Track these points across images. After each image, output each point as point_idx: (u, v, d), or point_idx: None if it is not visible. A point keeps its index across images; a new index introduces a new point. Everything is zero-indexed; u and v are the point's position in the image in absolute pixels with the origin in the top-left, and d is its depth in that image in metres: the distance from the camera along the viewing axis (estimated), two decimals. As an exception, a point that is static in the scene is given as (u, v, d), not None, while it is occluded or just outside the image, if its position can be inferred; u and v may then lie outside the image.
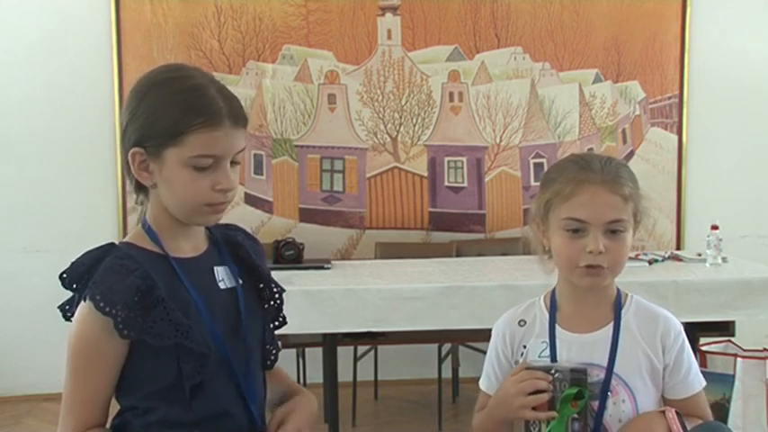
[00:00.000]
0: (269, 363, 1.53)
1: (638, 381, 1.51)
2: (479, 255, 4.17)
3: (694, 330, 3.28)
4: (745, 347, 3.31)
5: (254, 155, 4.38)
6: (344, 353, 3.67)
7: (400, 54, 4.41)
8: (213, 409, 1.38)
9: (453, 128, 4.46)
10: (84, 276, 1.35)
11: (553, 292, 1.61)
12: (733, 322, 3.54)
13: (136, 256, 1.36)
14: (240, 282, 1.48)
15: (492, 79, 4.45)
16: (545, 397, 1.46)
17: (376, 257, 4.24)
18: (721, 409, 3.15)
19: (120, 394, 1.38)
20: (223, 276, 1.45)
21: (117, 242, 1.42)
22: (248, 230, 1.61)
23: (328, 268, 3.69)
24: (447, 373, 4.10)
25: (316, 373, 3.92)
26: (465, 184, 4.50)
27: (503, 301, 3.07)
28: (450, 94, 4.46)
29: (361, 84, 4.40)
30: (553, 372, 1.48)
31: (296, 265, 3.63)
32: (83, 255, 1.38)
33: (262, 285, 1.52)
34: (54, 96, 4.28)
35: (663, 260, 3.76)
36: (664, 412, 1.47)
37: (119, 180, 4.31)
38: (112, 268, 1.33)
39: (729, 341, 3.40)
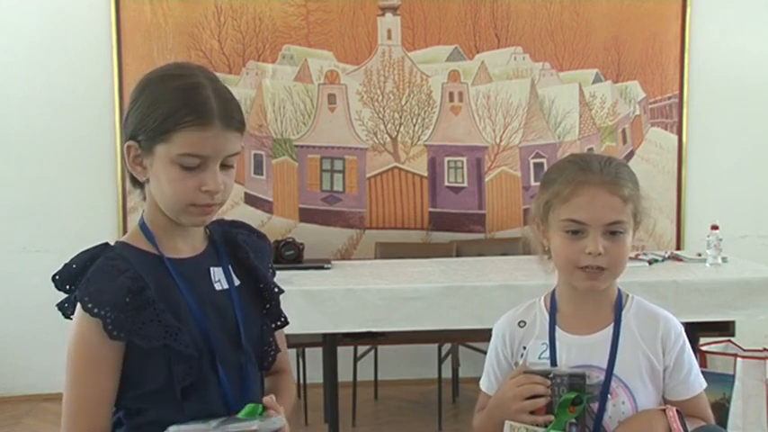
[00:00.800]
0: (266, 364, 1.52)
1: (637, 382, 1.51)
2: (479, 255, 4.17)
3: (694, 330, 3.28)
4: (745, 347, 3.32)
5: (254, 155, 4.38)
6: (344, 353, 3.67)
7: (400, 54, 4.41)
8: (205, 410, 1.37)
9: (453, 128, 4.46)
10: (77, 277, 1.35)
11: (553, 293, 1.60)
12: (733, 322, 3.54)
13: (128, 257, 1.36)
14: (238, 283, 1.47)
15: (492, 79, 4.45)
16: (542, 401, 1.46)
17: (376, 257, 4.24)
18: (721, 409, 3.15)
19: None
20: (220, 277, 1.45)
21: (112, 242, 1.42)
22: (254, 227, 1.59)
23: (328, 268, 3.69)
24: (447, 373, 4.10)
25: (316, 373, 3.92)
26: (465, 184, 4.50)
27: (503, 301, 3.07)
28: (450, 94, 4.46)
29: (361, 84, 4.40)
30: (551, 376, 1.47)
31: (296, 265, 3.63)
32: (75, 256, 1.37)
33: (262, 285, 1.51)
34: (54, 96, 4.28)
35: (663, 260, 3.76)
36: (665, 410, 1.46)
37: (119, 180, 4.31)
38: (103, 269, 1.33)
39: (729, 341, 3.40)
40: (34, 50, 4.26)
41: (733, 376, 3.19)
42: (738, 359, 3.20)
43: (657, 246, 4.39)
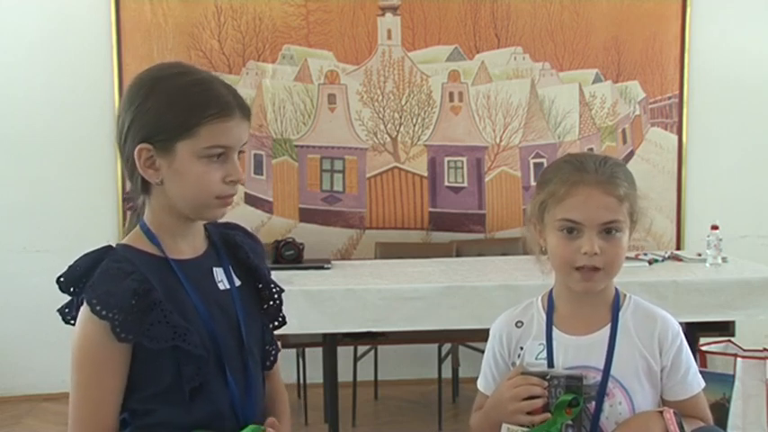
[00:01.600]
0: (268, 363, 1.52)
1: (635, 383, 1.50)
2: (479, 255, 4.17)
3: (694, 330, 3.29)
4: (745, 347, 3.32)
5: (254, 155, 4.38)
6: (344, 353, 3.67)
7: (400, 54, 4.41)
8: (212, 411, 1.37)
9: (453, 128, 4.46)
10: (81, 280, 1.34)
11: (550, 293, 1.60)
12: (733, 322, 3.54)
13: (133, 259, 1.36)
14: (239, 283, 1.47)
15: (492, 79, 4.45)
16: (539, 402, 1.46)
17: (376, 257, 4.24)
18: (721, 409, 3.15)
19: None
20: (222, 277, 1.45)
21: (114, 244, 1.41)
22: (248, 229, 1.60)
23: (328, 268, 3.69)
24: (447, 373, 4.10)
25: (316, 373, 3.92)
26: (465, 184, 4.50)
27: (503, 301, 3.07)
28: (450, 94, 4.46)
29: (361, 84, 4.40)
30: (548, 378, 1.47)
31: (296, 265, 3.63)
32: (79, 258, 1.37)
33: (261, 286, 1.52)
34: (54, 96, 4.28)
35: (663, 260, 3.76)
36: (662, 412, 1.46)
37: (119, 180, 4.30)
38: (109, 272, 1.32)
39: (729, 341, 3.40)
40: (34, 50, 4.27)
41: (733, 376, 3.19)
42: (738, 359, 3.20)
43: (657, 246, 4.39)
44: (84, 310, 1.32)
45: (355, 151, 4.44)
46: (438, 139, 4.46)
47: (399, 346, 4.21)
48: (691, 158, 4.57)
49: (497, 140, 4.48)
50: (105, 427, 1.34)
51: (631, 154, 4.53)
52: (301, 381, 4.02)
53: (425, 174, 4.48)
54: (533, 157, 4.50)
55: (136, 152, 1.35)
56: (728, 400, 3.18)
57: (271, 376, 1.55)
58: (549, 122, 4.50)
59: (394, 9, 4.38)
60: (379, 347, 4.15)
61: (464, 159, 4.48)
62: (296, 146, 4.41)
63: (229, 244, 1.50)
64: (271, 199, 4.42)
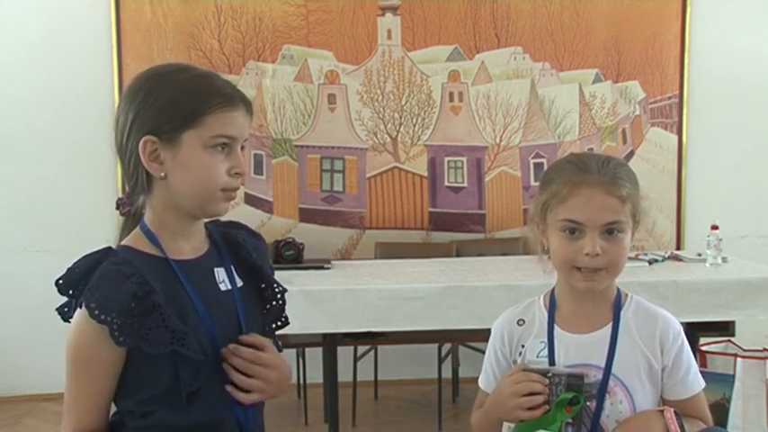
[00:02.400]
0: None
1: (635, 381, 1.51)
2: (479, 255, 4.17)
3: (694, 330, 3.29)
4: (745, 347, 3.31)
5: (254, 155, 4.38)
6: (344, 353, 3.67)
7: (400, 54, 4.41)
8: (210, 413, 1.37)
9: (453, 128, 4.46)
10: (81, 282, 1.33)
11: (552, 291, 1.60)
12: (733, 322, 3.54)
13: (133, 261, 1.34)
14: (240, 283, 1.46)
15: (492, 79, 4.45)
16: (540, 399, 1.46)
17: (376, 257, 4.24)
18: (721, 409, 3.15)
19: (117, 398, 1.37)
20: (224, 278, 1.44)
21: (113, 243, 1.41)
22: (251, 227, 1.59)
23: (328, 268, 3.69)
24: (447, 373, 4.10)
25: (316, 373, 3.92)
26: (465, 184, 4.50)
27: (503, 301, 3.06)
28: (450, 94, 4.46)
29: (361, 84, 4.40)
30: (550, 375, 1.47)
31: (296, 265, 3.63)
32: (79, 260, 1.36)
33: (263, 285, 1.51)
34: (54, 96, 4.28)
35: (663, 260, 3.76)
36: (662, 411, 1.46)
37: (119, 180, 4.30)
38: (108, 274, 1.31)
39: (729, 341, 3.40)
40: (34, 50, 4.27)
41: (733, 376, 3.19)
42: (738, 359, 3.20)
43: (657, 246, 4.39)
44: (80, 312, 1.32)
45: (355, 151, 4.44)
46: (438, 139, 4.46)
47: (399, 346, 4.21)
48: (691, 158, 4.57)
49: (497, 140, 4.48)
50: (93, 423, 1.34)
51: (631, 154, 4.53)
52: (301, 381, 4.02)
53: (425, 174, 4.48)
54: (533, 157, 4.51)
55: (141, 145, 1.34)
56: (728, 400, 3.18)
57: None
58: (549, 122, 4.50)
59: (394, 9, 4.39)
60: (379, 347, 4.15)
61: (464, 159, 4.49)
62: (296, 146, 4.42)
63: (231, 243, 1.49)
64: (271, 199, 4.42)
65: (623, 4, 4.47)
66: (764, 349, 3.31)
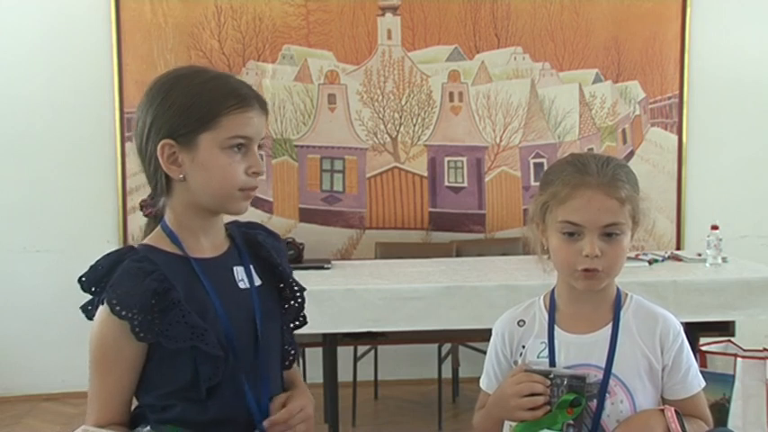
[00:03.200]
0: (287, 363, 1.53)
1: (636, 381, 1.51)
2: (479, 255, 4.17)
3: (694, 330, 3.28)
4: (745, 347, 3.31)
5: (254, 155, 4.37)
6: (344, 353, 3.67)
7: (400, 54, 4.41)
8: (227, 409, 1.39)
9: (453, 128, 4.47)
10: (103, 279, 1.37)
11: (552, 292, 1.60)
12: (733, 322, 3.54)
13: (154, 258, 1.37)
14: (260, 282, 1.48)
15: (492, 79, 4.45)
16: (541, 400, 1.46)
17: (376, 257, 4.24)
18: (721, 409, 3.15)
19: (138, 392, 1.40)
20: (243, 276, 1.46)
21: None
22: (269, 228, 1.61)
23: (328, 268, 3.69)
24: (447, 373, 4.10)
25: (316, 373, 3.92)
26: (465, 184, 4.50)
27: (503, 301, 3.07)
28: (450, 94, 4.46)
29: (361, 84, 4.40)
30: (551, 376, 1.48)
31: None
32: (101, 258, 1.39)
33: (282, 285, 1.53)
34: (54, 96, 4.28)
35: (663, 260, 3.76)
36: (663, 411, 1.47)
37: (119, 180, 4.31)
38: (129, 271, 1.34)
39: (729, 341, 3.40)
40: (34, 50, 4.27)
41: (733, 376, 3.18)
42: (738, 359, 3.20)
43: (657, 246, 4.39)
44: (102, 308, 1.35)
45: (355, 151, 4.44)
46: (438, 139, 4.46)
47: (399, 346, 4.21)
48: (691, 158, 4.57)
49: (497, 140, 4.48)
50: (114, 416, 1.37)
51: (631, 154, 4.53)
52: (301, 381, 4.01)
53: (425, 174, 4.48)
54: (533, 158, 4.51)
55: (159, 148, 1.37)
56: (728, 400, 3.17)
57: (289, 375, 1.56)
58: (549, 122, 4.50)
59: (394, 9, 4.39)
60: (379, 347, 4.15)
61: (464, 159, 4.49)
62: (296, 146, 4.42)
63: (251, 243, 1.52)
64: (271, 199, 4.42)
65: (623, 4, 4.47)
66: (764, 349, 3.30)
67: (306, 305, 1.58)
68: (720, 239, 3.60)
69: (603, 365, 1.50)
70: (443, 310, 3.25)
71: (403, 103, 4.43)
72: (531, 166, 4.50)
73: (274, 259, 1.52)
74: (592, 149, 4.48)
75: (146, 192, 1.49)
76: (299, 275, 1.62)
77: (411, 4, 4.38)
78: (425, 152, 4.47)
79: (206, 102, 1.36)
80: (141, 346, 1.35)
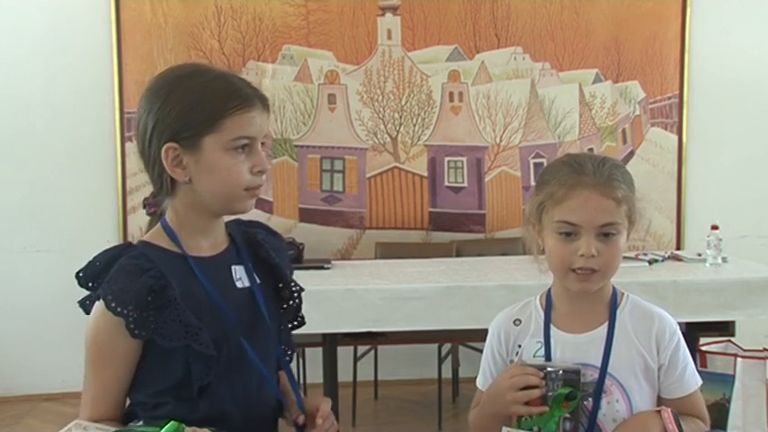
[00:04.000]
0: (283, 363, 1.53)
1: (632, 380, 1.51)
2: (479, 255, 4.17)
3: (694, 330, 3.29)
4: (745, 347, 3.31)
5: (254, 155, 4.37)
6: (344, 353, 3.67)
7: (400, 54, 4.41)
8: (219, 407, 1.39)
9: (453, 128, 4.47)
10: (100, 275, 1.37)
11: (548, 291, 1.60)
12: (733, 322, 3.54)
13: (151, 255, 1.37)
14: (258, 281, 1.48)
15: (492, 79, 4.45)
16: (536, 393, 1.46)
17: (376, 257, 4.24)
18: (721, 409, 3.14)
19: (130, 390, 1.40)
20: (241, 275, 1.46)
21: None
22: (270, 227, 1.61)
23: (328, 268, 3.69)
24: (447, 373, 4.10)
25: (316, 373, 3.91)
26: (465, 184, 4.50)
27: (503, 301, 3.04)
28: (451, 94, 4.46)
29: (361, 84, 4.41)
30: (546, 370, 1.48)
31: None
32: (99, 254, 1.39)
33: (281, 285, 1.53)
34: (54, 96, 4.29)
35: (663, 260, 3.76)
36: (660, 412, 1.47)
37: (119, 180, 4.31)
38: (126, 268, 1.34)
39: (729, 341, 3.39)
40: (34, 50, 4.27)
41: (733, 376, 3.18)
42: (738, 359, 3.19)
43: (657, 246, 4.39)
44: (98, 304, 1.35)
45: (355, 151, 4.44)
46: (438, 139, 4.46)
47: (399, 346, 4.21)
48: (691, 158, 4.57)
49: (497, 140, 4.48)
50: (107, 412, 1.38)
51: (631, 154, 4.53)
52: (301, 381, 4.02)
53: (425, 174, 4.48)
54: (533, 157, 4.51)
55: (163, 152, 1.36)
56: (728, 400, 3.17)
57: (285, 376, 1.56)
58: (549, 122, 4.50)
59: (394, 9, 4.39)
60: (379, 347, 4.15)
61: (464, 159, 4.49)
62: (296, 146, 4.42)
63: (251, 242, 1.52)
64: (271, 199, 4.42)
65: (623, 4, 4.47)
66: (764, 349, 3.30)
67: (304, 305, 1.58)
68: (720, 239, 3.60)
69: (599, 365, 1.50)
70: (443, 310, 3.25)
71: (403, 103, 4.43)
72: (531, 166, 4.50)
73: (273, 259, 1.52)
74: (592, 149, 4.48)
75: (146, 191, 1.49)
76: (298, 275, 1.62)
77: (411, 4, 4.38)
78: (425, 152, 4.47)
79: (208, 104, 1.35)
80: (136, 343, 1.35)
